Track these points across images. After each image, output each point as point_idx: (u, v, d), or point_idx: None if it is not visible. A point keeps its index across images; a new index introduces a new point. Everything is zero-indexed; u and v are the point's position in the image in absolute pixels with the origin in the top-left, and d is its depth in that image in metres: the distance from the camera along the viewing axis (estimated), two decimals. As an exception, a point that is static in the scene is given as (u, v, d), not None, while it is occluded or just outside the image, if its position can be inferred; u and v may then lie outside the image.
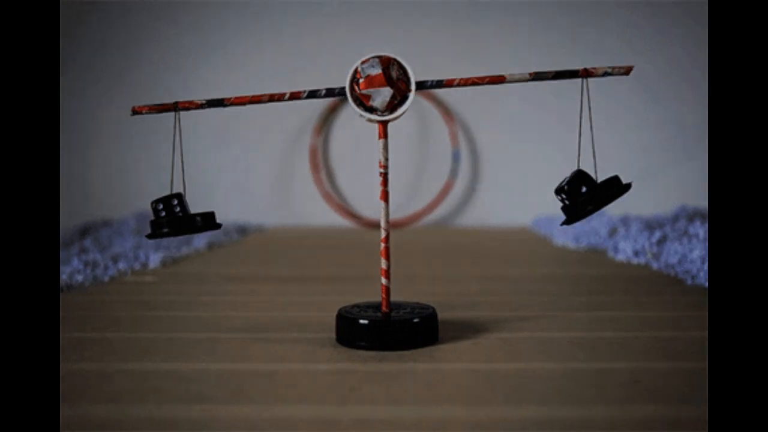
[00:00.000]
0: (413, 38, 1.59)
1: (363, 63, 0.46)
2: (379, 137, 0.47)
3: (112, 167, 1.65)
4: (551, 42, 1.58)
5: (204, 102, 0.48)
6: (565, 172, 0.47)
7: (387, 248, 0.48)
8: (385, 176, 0.48)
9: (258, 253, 1.08)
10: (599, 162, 0.46)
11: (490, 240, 1.26)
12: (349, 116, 1.62)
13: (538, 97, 1.57)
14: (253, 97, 0.48)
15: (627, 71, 0.46)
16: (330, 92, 0.47)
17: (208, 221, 0.48)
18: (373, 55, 0.47)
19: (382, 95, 0.46)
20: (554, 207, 0.49)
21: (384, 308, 0.48)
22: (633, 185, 0.47)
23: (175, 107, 0.47)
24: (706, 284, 0.69)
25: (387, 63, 0.46)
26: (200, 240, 1.13)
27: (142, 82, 1.63)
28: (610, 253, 0.96)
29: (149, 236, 0.48)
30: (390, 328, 0.46)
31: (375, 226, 1.53)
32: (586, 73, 0.46)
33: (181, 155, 0.47)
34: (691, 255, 0.81)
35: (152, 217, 0.47)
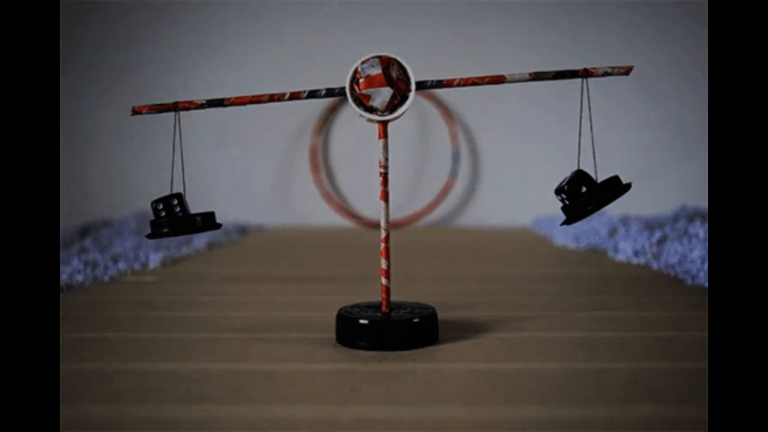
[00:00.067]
0: (413, 38, 1.59)
1: (363, 63, 0.46)
2: (379, 137, 0.47)
3: (112, 167, 1.65)
4: (551, 42, 1.58)
5: (204, 102, 0.48)
6: (565, 172, 0.47)
7: (387, 248, 0.48)
8: (385, 176, 0.48)
9: (258, 253, 1.08)
10: (599, 162, 0.46)
11: (490, 240, 1.26)
12: (349, 116, 1.62)
13: (538, 97, 1.57)
14: (253, 97, 0.48)
15: (627, 71, 0.46)
16: (330, 92, 0.47)
17: (208, 221, 0.48)
18: (373, 55, 0.47)
19: (382, 95, 0.46)
20: (554, 207, 0.49)
21: (384, 308, 0.48)
22: (633, 185, 0.47)
23: (175, 107, 0.47)
24: (706, 284, 0.69)
25: (387, 63, 0.46)
26: (200, 240, 1.13)
27: (142, 82, 1.63)
28: (610, 253, 0.96)
29: (149, 236, 0.48)
30: (390, 328, 0.46)
31: (375, 226, 1.53)
32: (586, 73, 0.46)
33: (181, 155, 0.47)
34: (691, 255, 0.81)
35: (152, 217, 0.47)
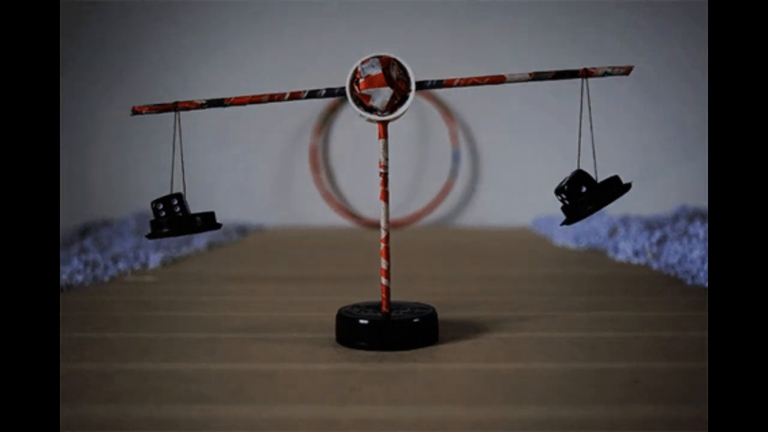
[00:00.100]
0: (413, 38, 1.59)
1: (363, 63, 0.46)
2: (379, 137, 0.47)
3: (112, 167, 1.65)
4: (551, 42, 1.58)
5: (204, 102, 0.48)
6: (565, 172, 0.47)
7: (387, 248, 0.48)
8: (385, 176, 0.48)
9: (258, 253, 1.08)
10: (599, 162, 0.46)
11: (490, 240, 1.26)
12: (349, 116, 1.62)
13: (538, 97, 1.57)
14: (253, 97, 0.48)
15: (627, 71, 0.46)
16: (330, 92, 0.47)
17: (208, 221, 0.48)
18: (373, 55, 0.47)
19: (382, 95, 0.46)
20: (554, 207, 0.49)
21: (384, 308, 0.48)
22: (633, 185, 0.47)
23: (175, 107, 0.47)
24: (706, 284, 0.69)
25: (387, 63, 0.46)
26: (200, 240, 1.13)
27: (142, 82, 1.63)
28: (610, 253, 0.96)
29: (149, 236, 0.48)
30: (390, 328, 0.46)
31: (375, 226, 1.53)
32: (586, 73, 0.46)
33: (181, 155, 0.47)
34: (691, 255, 0.81)
35: (152, 217, 0.47)
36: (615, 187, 0.46)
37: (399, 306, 0.50)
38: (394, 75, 0.46)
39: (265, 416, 0.34)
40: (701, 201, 1.40)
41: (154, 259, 0.91)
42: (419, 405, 0.35)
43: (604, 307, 0.60)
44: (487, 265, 0.92)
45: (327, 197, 1.61)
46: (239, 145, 1.64)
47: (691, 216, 1.22)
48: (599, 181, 0.46)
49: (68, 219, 1.41)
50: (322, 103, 1.61)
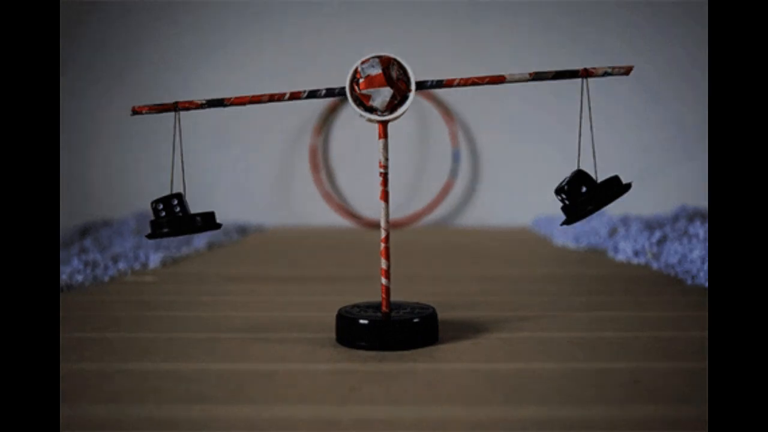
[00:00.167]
0: (413, 38, 1.59)
1: (363, 63, 0.46)
2: (379, 137, 0.47)
3: (112, 167, 1.65)
4: (551, 42, 1.58)
5: (204, 102, 0.48)
6: (565, 172, 0.47)
7: (387, 248, 0.48)
8: (385, 176, 0.48)
9: (258, 253, 1.08)
10: (599, 162, 0.46)
11: (490, 240, 1.26)
12: (349, 116, 1.62)
13: (538, 97, 1.57)
14: (253, 97, 0.48)
15: (627, 71, 0.46)
16: (330, 92, 0.47)
17: (208, 221, 0.48)
18: (373, 55, 0.47)
19: (382, 95, 0.46)
20: (554, 207, 0.49)
21: (384, 308, 0.48)
22: (633, 185, 0.47)
23: (175, 107, 0.47)
24: (706, 284, 0.69)
25: (387, 63, 0.46)
26: (200, 240, 1.13)
27: (142, 82, 1.63)
28: (610, 253, 0.96)
29: (149, 236, 0.48)
30: (390, 328, 0.46)
31: (375, 226, 1.53)
32: (586, 73, 0.46)
33: (181, 155, 0.47)
34: (691, 255, 0.81)
35: (152, 217, 0.47)
36: (615, 187, 0.46)
37: (399, 306, 0.50)
38: (394, 75, 0.46)
39: (265, 416, 0.34)
40: (701, 201, 1.40)
41: (154, 259, 0.91)
42: (419, 405, 0.35)
43: (604, 307, 0.60)
44: (487, 265, 0.92)
45: (327, 197, 1.61)
46: (239, 145, 1.64)
47: (691, 216, 1.22)
48: (599, 181, 0.46)
49: (68, 219, 1.41)
50: (322, 103, 1.61)
